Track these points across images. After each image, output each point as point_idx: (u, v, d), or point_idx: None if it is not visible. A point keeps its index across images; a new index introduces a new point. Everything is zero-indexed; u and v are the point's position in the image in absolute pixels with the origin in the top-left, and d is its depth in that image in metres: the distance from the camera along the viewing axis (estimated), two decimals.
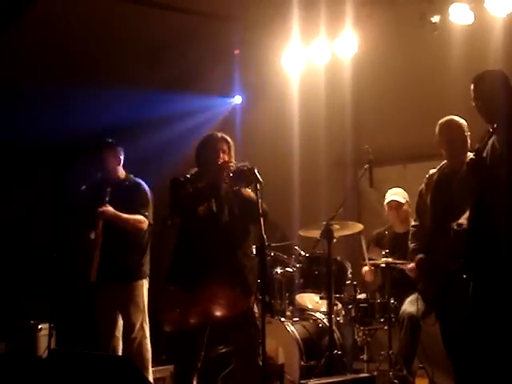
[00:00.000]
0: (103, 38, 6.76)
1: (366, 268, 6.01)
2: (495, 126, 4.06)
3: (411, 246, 5.17)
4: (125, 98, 7.18)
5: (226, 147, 4.66)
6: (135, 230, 5.38)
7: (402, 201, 6.04)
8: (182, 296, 4.53)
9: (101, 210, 5.27)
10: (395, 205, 6.05)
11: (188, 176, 4.66)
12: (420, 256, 4.96)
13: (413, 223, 5.26)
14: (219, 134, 4.71)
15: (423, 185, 5.07)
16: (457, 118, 4.91)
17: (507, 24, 5.71)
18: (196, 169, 4.73)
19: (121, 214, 5.31)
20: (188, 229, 4.66)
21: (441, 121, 4.92)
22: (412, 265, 5.55)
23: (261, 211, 4.26)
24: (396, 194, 6.08)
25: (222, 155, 4.62)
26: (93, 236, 5.37)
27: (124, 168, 5.62)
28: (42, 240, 7.17)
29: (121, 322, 5.43)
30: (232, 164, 4.55)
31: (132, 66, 7.16)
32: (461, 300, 4.21)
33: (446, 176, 4.88)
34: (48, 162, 7.64)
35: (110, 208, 5.29)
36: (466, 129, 4.87)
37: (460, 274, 4.23)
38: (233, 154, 4.68)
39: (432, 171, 5.02)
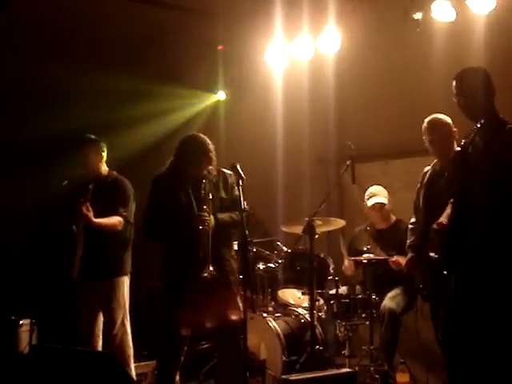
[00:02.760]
0: (86, 32, 6.73)
1: (345, 262, 6.04)
2: (482, 122, 4.09)
3: (408, 240, 5.19)
4: (107, 93, 7.15)
5: (211, 160, 4.75)
6: (110, 232, 5.38)
7: (385, 201, 6.06)
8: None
9: (85, 213, 5.21)
10: (379, 206, 6.07)
11: (163, 175, 4.74)
12: (410, 255, 5.00)
13: (412, 220, 5.27)
14: (211, 147, 4.76)
15: (419, 183, 5.09)
16: (441, 116, 4.92)
17: (489, 21, 5.74)
18: (172, 166, 4.78)
19: (96, 221, 5.27)
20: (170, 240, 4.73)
21: (426, 120, 4.94)
22: (396, 258, 5.59)
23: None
24: (379, 195, 6.07)
25: (206, 166, 4.73)
26: (75, 229, 5.33)
27: (107, 164, 5.60)
28: (24, 236, 7.13)
29: (101, 319, 5.42)
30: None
31: (114, 61, 7.13)
32: (445, 297, 4.23)
33: (437, 173, 4.91)
34: (31, 158, 7.58)
35: (90, 214, 5.23)
36: (451, 126, 4.89)
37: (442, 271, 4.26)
38: (213, 156, 4.77)
39: (426, 168, 5.04)
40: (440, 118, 4.92)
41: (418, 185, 5.07)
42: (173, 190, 4.72)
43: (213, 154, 4.74)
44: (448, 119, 4.90)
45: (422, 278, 4.83)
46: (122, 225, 5.37)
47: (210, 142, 4.78)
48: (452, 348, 4.17)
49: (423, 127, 4.92)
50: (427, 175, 4.98)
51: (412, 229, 5.15)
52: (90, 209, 5.20)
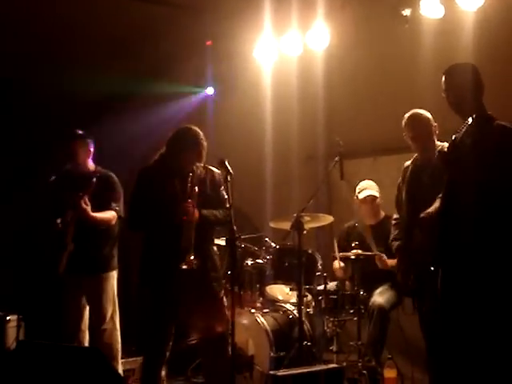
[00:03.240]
0: (75, 27, 6.70)
1: (336, 264, 6.03)
2: (474, 117, 4.10)
3: (392, 235, 5.21)
4: (96, 88, 7.13)
5: (202, 153, 4.73)
6: (104, 227, 5.37)
7: (377, 194, 6.07)
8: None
9: (83, 206, 5.19)
10: (370, 199, 6.07)
11: (151, 169, 4.74)
12: (398, 243, 5.03)
13: (395, 216, 5.28)
14: (203, 142, 4.75)
15: (400, 178, 5.10)
16: (421, 112, 4.94)
17: (477, 18, 5.75)
18: (162, 151, 4.77)
19: (95, 215, 5.26)
20: (152, 230, 4.72)
21: (405, 116, 4.96)
22: (383, 256, 5.61)
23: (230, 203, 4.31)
24: (370, 189, 6.08)
25: (196, 159, 4.70)
26: (59, 222, 5.30)
27: (93, 159, 5.59)
28: (11, 232, 7.10)
29: (87, 315, 5.41)
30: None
31: (103, 56, 7.11)
32: (433, 292, 4.25)
33: (418, 168, 4.93)
34: (19, 154, 7.55)
35: (89, 208, 5.21)
36: (431, 121, 4.91)
37: (429, 267, 4.27)
38: (204, 157, 4.77)
39: (407, 163, 5.05)
40: (420, 114, 4.94)
41: (400, 179, 5.09)
42: (159, 180, 4.71)
43: (204, 151, 4.73)
44: (428, 114, 4.92)
45: (405, 274, 4.86)
46: (116, 220, 5.37)
47: (203, 137, 4.77)
48: (439, 345, 4.18)
49: (403, 123, 4.95)
50: (408, 170, 5.00)
51: (396, 224, 5.18)
52: (89, 203, 5.19)
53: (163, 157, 4.80)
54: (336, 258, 5.93)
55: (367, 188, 6.09)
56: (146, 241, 4.81)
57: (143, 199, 4.73)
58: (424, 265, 4.41)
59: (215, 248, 4.91)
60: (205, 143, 4.75)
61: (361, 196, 6.09)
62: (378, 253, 5.76)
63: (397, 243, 5.06)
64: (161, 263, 4.66)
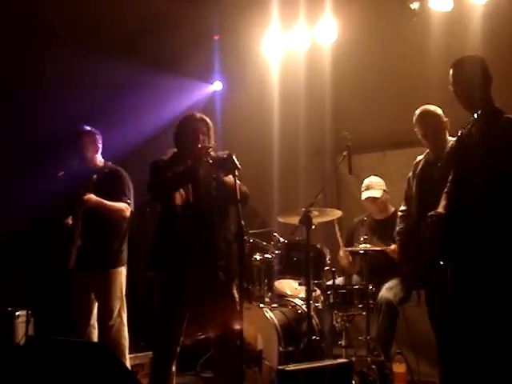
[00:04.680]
0: (81, 21, 6.69)
1: (341, 252, 6.05)
2: (480, 112, 4.08)
3: (397, 227, 5.20)
4: (103, 84, 7.12)
5: (205, 128, 4.64)
6: (118, 218, 5.36)
7: (378, 195, 6.06)
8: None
9: (85, 197, 5.22)
10: (371, 200, 6.09)
11: (165, 159, 4.65)
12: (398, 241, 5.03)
13: (401, 207, 5.27)
14: (198, 115, 4.69)
15: (410, 172, 5.08)
16: (432, 108, 4.91)
17: (486, 11, 5.74)
18: (174, 149, 4.71)
19: (105, 201, 5.28)
20: (167, 215, 4.66)
21: (416, 112, 4.93)
22: (394, 246, 5.59)
23: (239, 197, 4.26)
24: (372, 188, 6.08)
25: (201, 137, 4.60)
26: (70, 221, 5.33)
27: (103, 154, 5.60)
28: (20, 227, 7.11)
29: (96, 310, 5.42)
30: (211, 149, 4.53)
31: (110, 50, 7.09)
32: (441, 286, 4.24)
33: (429, 164, 4.91)
34: (27, 150, 7.55)
35: (93, 196, 5.26)
36: (441, 117, 4.88)
37: (438, 261, 4.26)
38: (212, 134, 4.66)
39: (419, 158, 5.03)
40: (431, 110, 4.91)
41: (410, 174, 5.07)
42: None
43: (205, 135, 4.62)
44: (439, 110, 4.90)
45: (408, 267, 4.86)
46: (130, 212, 5.36)
47: (201, 118, 4.67)
48: (450, 340, 4.16)
49: (414, 119, 4.93)
50: (420, 165, 4.98)
51: (402, 216, 5.16)
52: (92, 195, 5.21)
53: (174, 154, 4.74)
54: (342, 248, 5.98)
55: (369, 188, 6.10)
56: (161, 223, 4.72)
57: (164, 164, 4.61)
58: (431, 259, 4.40)
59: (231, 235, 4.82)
60: (203, 126, 4.61)
61: (362, 197, 6.12)
62: (385, 247, 5.75)
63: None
64: (175, 247, 4.59)
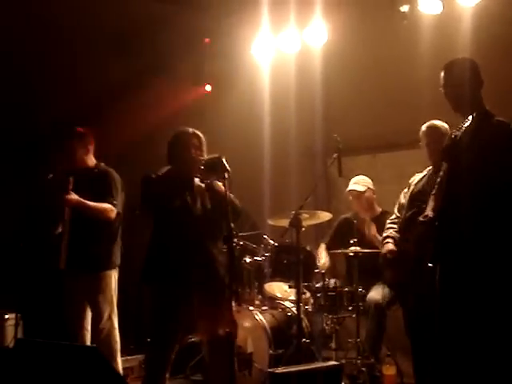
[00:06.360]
0: (71, 23, 6.67)
1: (322, 254, 6.10)
2: (473, 115, 4.09)
3: (386, 230, 5.23)
4: (94, 85, 7.11)
5: (197, 142, 4.67)
6: (103, 219, 5.32)
7: (362, 189, 6.07)
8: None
9: (65, 198, 5.21)
10: (355, 194, 6.10)
11: (158, 173, 4.66)
12: (391, 247, 5.04)
13: (392, 216, 5.31)
14: (190, 130, 4.72)
15: (406, 189, 5.15)
16: (439, 124, 4.98)
17: (475, 13, 5.75)
18: (168, 167, 4.72)
19: (86, 202, 5.25)
20: (161, 225, 4.66)
21: (423, 128, 5.00)
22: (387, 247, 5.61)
23: (229, 203, 4.27)
24: (356, 183, 6.11)
25: (193, 150, 4.63)
26: (60, 229, 5.31)
27: (95, 156, 5.57)
28: (9, 228, 7.08)
29: (89, 313, 5.39)
30: (202, 158, 4.56)
31: (101, 52, 7.08)
32: (427, 289, 4.25)
33: (432, 176, 4.94)
34: (17, 151, 7.53)
35: (74, 196, 5.24)
36: (447, 132, 4.90)
37: (426, 263, 4.27)
38: (204, 148, 4.69)
39: (417, 176, 5.12)
40: (438, 127, 5.01)
41: (406, 190, 5.13)
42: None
43: (197, 149, 4.67)
44: (445, 127, 4.95)
45: (392, 270, 4.89)
46: (115, 213, 5.33)
47: (194, 133, 4.71)
48: (439, 342, 4.17)
49: (421, 135, 4.99)
50: (422, 180, 5.02)
51: (391, 223, 5.21)
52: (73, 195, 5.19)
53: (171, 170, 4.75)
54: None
55: (353, 183, 6.12)
56: (155, 233, 4.73)
57: (156, 177, 4.61)
58: (416, 262, 4.43)
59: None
60: (195, 141, 4.65)
61: (346, 190, 6.14)
62: (374, 250, 5.75)
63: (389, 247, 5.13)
64: (172, 258, 4.59)
